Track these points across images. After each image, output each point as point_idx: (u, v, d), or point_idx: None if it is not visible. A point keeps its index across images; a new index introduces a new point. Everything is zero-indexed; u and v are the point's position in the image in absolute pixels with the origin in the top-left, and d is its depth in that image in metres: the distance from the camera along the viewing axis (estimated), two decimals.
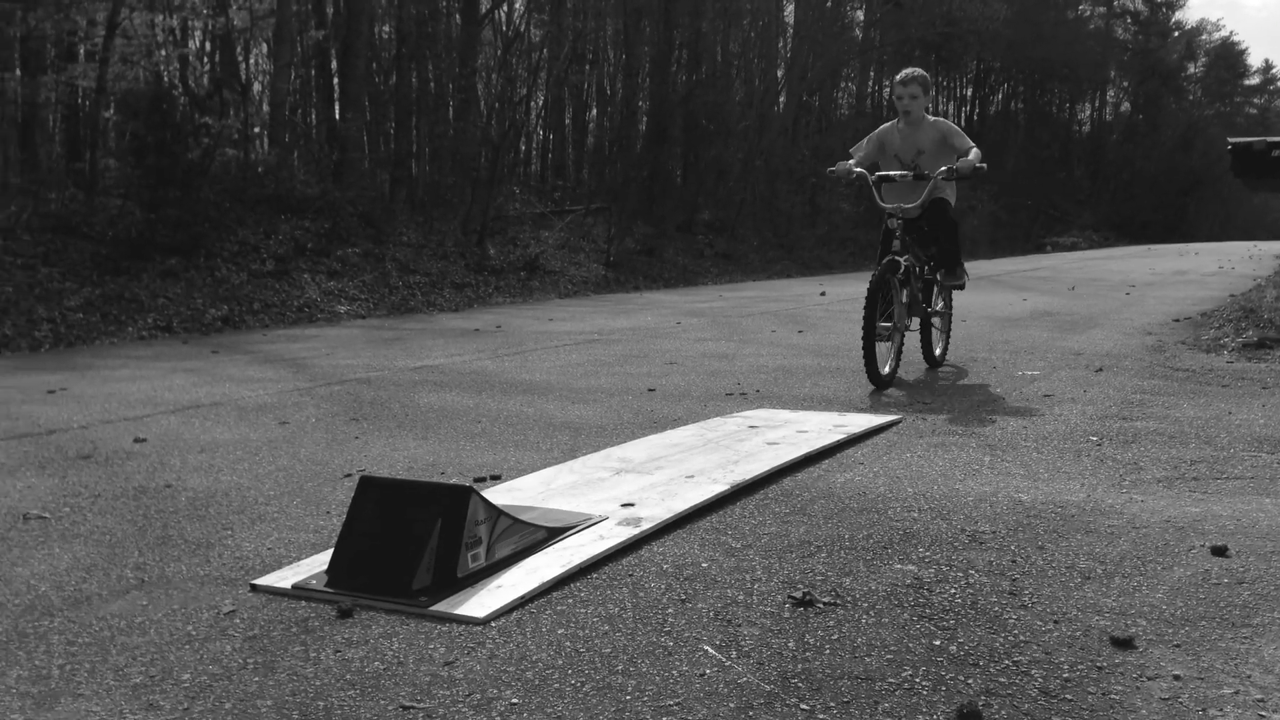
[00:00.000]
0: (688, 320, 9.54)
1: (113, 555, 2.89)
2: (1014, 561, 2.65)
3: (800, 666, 2.07)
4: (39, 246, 11.10)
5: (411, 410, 5.06)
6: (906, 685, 1.98)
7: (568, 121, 24.46)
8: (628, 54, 23.67)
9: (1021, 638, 2.19)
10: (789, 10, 29.73)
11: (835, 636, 2.21)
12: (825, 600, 2.41)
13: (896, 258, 5.31)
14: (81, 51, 14.10)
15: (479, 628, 2.31)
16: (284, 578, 2.63)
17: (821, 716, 1.87)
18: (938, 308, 6.12)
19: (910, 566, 2.63)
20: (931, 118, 5.63)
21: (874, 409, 4.83)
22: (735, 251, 21.36)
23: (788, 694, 1.95)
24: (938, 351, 6.20)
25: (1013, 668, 2.05)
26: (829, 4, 29.39)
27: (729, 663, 2.10)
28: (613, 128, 23.23)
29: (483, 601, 2.43)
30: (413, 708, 1.94)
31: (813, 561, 2.69)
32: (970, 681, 1.99)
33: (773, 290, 14.18)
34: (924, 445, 4.05)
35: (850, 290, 12.35)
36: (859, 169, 5.55)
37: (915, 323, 5.80)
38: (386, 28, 20.31)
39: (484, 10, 20.80)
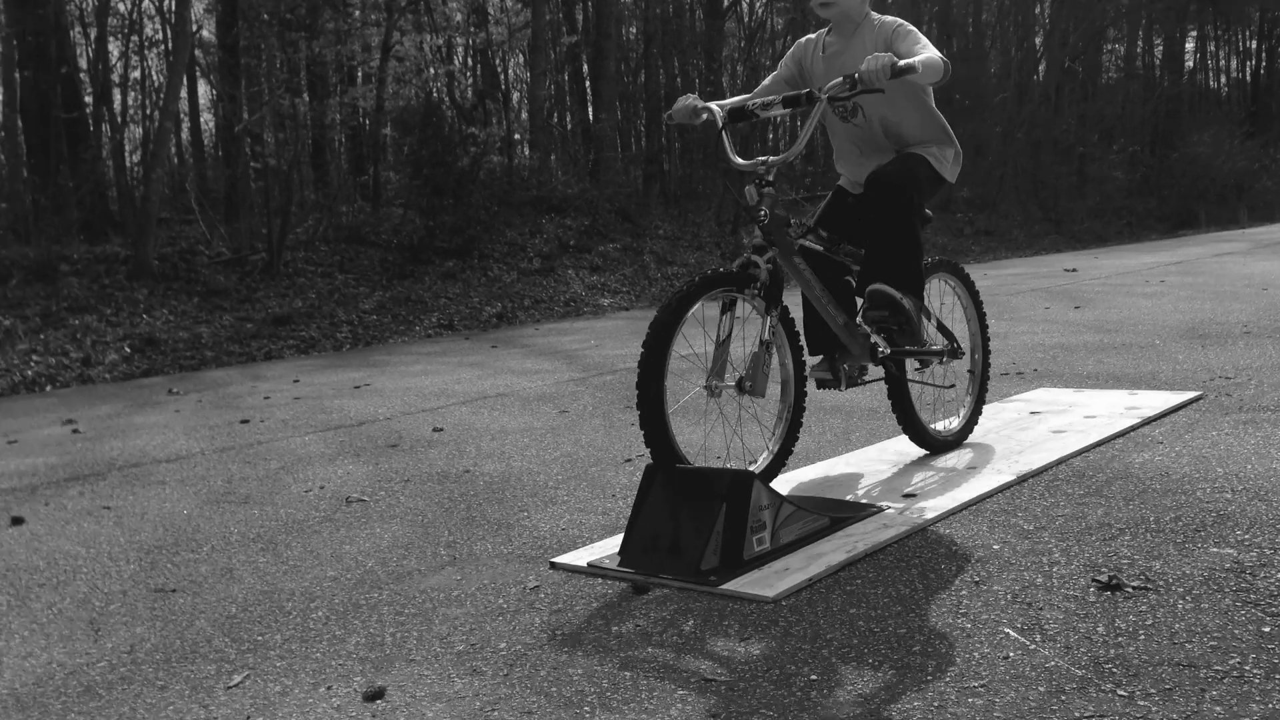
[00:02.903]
0: None
1: (426, 534, 3.14)
2: None
3: (1113, 652, 1.98)
4: (335, 255, 12.17)
5: (683, 398, 5.18)
6: (1235, 673, 1.85)
7: None
8: None
9: None
10: None
11: (1149, 622, 2.10)
12: (1134, 584, 2.29)
13: (754, 258, 3.01)
14: (359, 75, 15.31)
15: (769, 607, 2.35)
16: (580, 557, 2.77)
17: (1142, 703, 1.78)
18: (934, 345, 3.51)
19: (1228, 550, 2.45)
20: (878, 18, 3.23)
21: (1171, 385, 4.51)
22: (997, 228, 20.46)
23: (1102, 679, 1.87)
24: (951, 424, 3.70)
25: None
26: None
27: (1033, 646, 2.03)
28: None
29: (770, 583, 2.46)
30: (714, 681, 2.00)
31: (1115, 544, 2.55)
32: None
33: (1041, 266, 13.46)
34: (1230, 423, 3.75)
35: (1126, 262, 11.52)
36: (711, 106, 3.17)
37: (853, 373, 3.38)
38: (633, 28, 20.82)
39: (726, 4, 20.92)
